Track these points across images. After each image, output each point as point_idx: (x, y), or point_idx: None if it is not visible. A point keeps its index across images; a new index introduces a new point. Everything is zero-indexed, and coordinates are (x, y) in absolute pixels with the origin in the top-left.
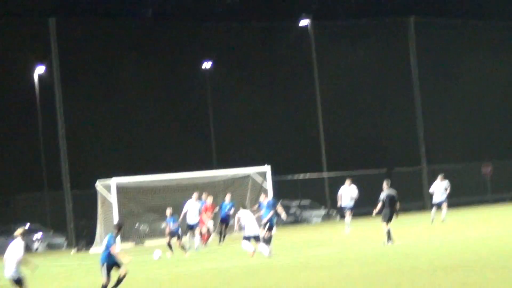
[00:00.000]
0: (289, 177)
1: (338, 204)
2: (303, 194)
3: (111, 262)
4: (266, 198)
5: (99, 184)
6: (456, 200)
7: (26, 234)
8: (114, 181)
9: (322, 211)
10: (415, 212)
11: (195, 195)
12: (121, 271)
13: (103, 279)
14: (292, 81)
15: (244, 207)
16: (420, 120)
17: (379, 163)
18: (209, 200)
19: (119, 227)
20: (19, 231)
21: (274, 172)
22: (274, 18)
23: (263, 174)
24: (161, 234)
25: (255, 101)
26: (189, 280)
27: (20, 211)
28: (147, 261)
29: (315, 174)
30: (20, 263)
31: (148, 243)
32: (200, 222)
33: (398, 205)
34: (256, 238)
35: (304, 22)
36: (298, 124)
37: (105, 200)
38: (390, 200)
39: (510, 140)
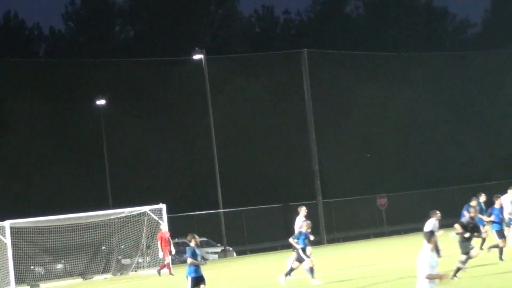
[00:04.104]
0: (185, 214)
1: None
2: (200, 231)
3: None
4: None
5: None
6: (352, 233)
7: None
8: (8, 223)
9: (219, 248)
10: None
11: (303, 211)
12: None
13: None
14: (187, 117)
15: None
16: (314, 154)
17: (275, 198)
18: (164, 228)
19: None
20: None
21: (170, 209)
22: (167, 53)
23: (158, 212)
24: (57, 275)
25: (150, 138)
26: None
27: None
28: None
29: (211, 211)
30: None
31: (44, 285)
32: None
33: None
34: None
35: (198, 57)
36: (193, 160)
37: None
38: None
39: (404, 173)
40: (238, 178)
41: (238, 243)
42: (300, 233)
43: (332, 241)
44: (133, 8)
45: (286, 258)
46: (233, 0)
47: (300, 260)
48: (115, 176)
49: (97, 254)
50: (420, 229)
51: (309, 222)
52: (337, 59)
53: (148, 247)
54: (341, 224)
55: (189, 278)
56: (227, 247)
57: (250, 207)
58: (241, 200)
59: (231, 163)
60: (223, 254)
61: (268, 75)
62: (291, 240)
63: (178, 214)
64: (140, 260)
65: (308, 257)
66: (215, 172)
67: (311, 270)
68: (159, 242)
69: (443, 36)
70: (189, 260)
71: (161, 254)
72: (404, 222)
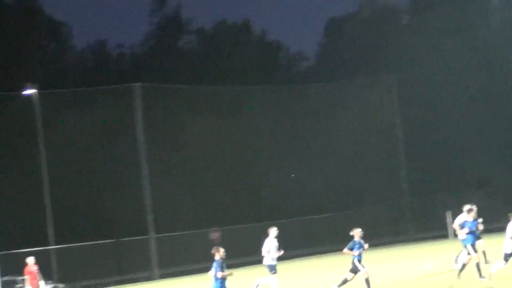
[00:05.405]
0: (14, 251)
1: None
2: None
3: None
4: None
5: None
6: (187, 267)
7: None
8: None
9: (50, 285)
10: (143, 282)
11: (273, 231)
12: None
13: None
14: (19, 154)
15: None
16: (147, 189)
17: (108, 234)
18: (30, 261)
19: None
20: None
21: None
22: None
23: None
24: None
25: None
26: None
27: None
28: None
29: (41, 248)
30: None
31: None
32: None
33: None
34: None
35: (29, 91)
36: (24, 197)
37: None
38: None
39: (238, 206)
40: (71, 214)
41: (70, 279)
42: (354, 242)
43: (165, 276)
44: None
45: None
46: (67, 34)
47: (355, 271)
48: None
49: None
50: (257, 262)
51: (360, 229)
52: (171, 93)
53: None
54: (175, 259)
55: None
56: (59, 284)
57: (82, 243)
58: (74, 236)
59: (64, 199)
60: None
61: (101, 110)
62: (345, 250)
63: (7, 252)
64: None
65: (363, 267)
66: (46, 209)
67: (367, 281)
68: (27, 277)
69: (276, 69)
70: (219, 273)
71: None
72: (238, 255)
